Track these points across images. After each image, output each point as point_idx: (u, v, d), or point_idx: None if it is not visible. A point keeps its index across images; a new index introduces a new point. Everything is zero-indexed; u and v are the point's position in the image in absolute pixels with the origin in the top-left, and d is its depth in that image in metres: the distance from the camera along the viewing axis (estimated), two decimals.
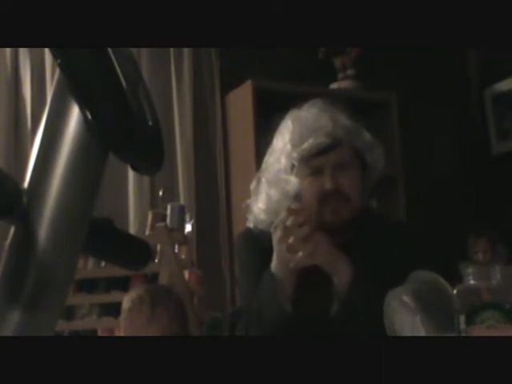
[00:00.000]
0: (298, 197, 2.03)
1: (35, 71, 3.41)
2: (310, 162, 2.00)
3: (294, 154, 2.01)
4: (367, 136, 2.07)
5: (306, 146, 1.99)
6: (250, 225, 2.10)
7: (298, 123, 2.03)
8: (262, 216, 2.06)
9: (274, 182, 2.06)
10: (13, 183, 0.71)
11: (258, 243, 2.07)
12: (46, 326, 0.73)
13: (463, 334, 1.38)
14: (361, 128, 2.07)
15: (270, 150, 2.12)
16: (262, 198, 2.07)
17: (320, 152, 1.99)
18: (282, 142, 2.05)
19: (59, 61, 0.68)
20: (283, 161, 2.03)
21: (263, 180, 2.09)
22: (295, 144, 2.00)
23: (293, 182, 2.02)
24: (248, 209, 2.13)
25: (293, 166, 2.02)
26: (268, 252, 2.01)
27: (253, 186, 2.13)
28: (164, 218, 2.72)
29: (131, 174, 3.49)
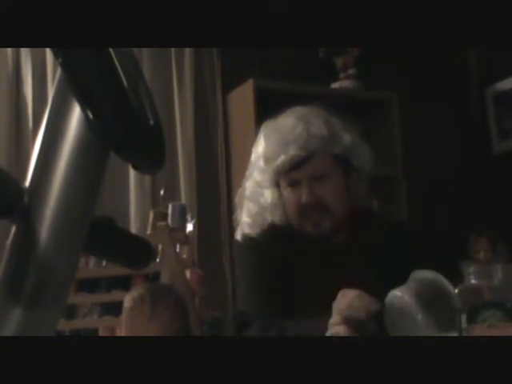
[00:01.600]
0: (279, 207, 2.03)
1: (36, 70, 3.41)
2: (287, 175, 2.00)
3: (268, 170, 2.01)
4: (348, 139, 2.03)
5: (278, 162, 1.98)
6: (238, 237, 2.11)
7: (270, 136, 2.03)
8: (247, 229, 2.08)
9: (251, 195, 2.08)
10: (14, 182, 0.71)
11: (258, 246, 2.07)
12: (47, 325, 0.73)
13: (464, 333, 1.38)
14: (340, 132, 2.03)
15: (249, 163, 2.13)
16: (245, 212, 2.09)
17: (294, 166, 1.98)
18: (257, 155, 2.06)
19: (60, 60, 0.68)
20: (257, 175, 2.04)
21: (245, 193, 2.11)
22: (268, 159, 2.01)
23: (266, 194, 2.03)
24: (236, 221, 2.14)
25: (267, 179, 2.03)
26: (260, 256, 2.03)
27: (237, 198, 2.15)
28: (165, 218, 2.72)
29: (132, 173, 3.49)
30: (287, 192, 2.02)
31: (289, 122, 2.02)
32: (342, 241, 2.04)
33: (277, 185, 2.04)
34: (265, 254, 2.03)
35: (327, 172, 2.01)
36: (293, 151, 1.96)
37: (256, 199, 2.06)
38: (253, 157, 2.09)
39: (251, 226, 2.06)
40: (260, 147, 2.04)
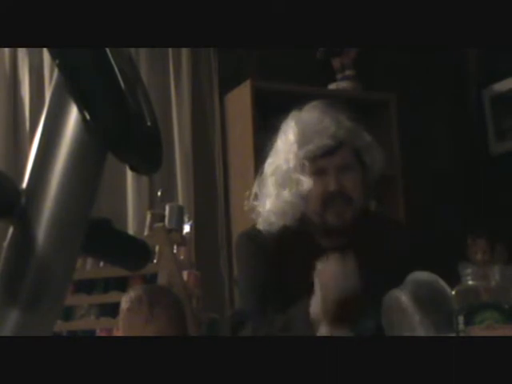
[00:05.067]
0: (306, 197, 2.02)
1: (34, 72, 3.41)
2: (315, 162, 2.00)
3: (302, 154, 2.00)
4: (367, 137, 2.07)
5: (311, 146, 1.98)
6: (260, 227, 2.07)
7: (301, 124, 2.02)
8: (273, 218, 2.04)
9: (284, 182, 2.04)
10: (11, 184, 0.70)
11: (260, 244, 2.07)
12: (44, 326, 0.73)
13: (462, 335, 1.38)
14: (361, 129, 2.07)
15: (273, 152, 2.10)
16: (270, 200, 2.05)
17: (324, 153, 1.98)
18: (287, 142, 2.04)
19: (58, 61, 0.68)
20: (292, 161, 2.01)
21: (270, 182, 2.07)
22: (302, 144, 2.00)
23: (305, 181, 2.01)
24: (253, 211, 2.11)
25: (303, 165, 2.01)
26: (269, 253, 2.02)
27: (255, 188, 2.11)
28: (162, 219, 2.71)
29: (130, 174, 3.48)
30: (312, 180, 2.01)
31: (316, 113, 2.03)
32: (342, 242, 2.04)
33: (302, 167, 2.03)
34: (273, 264, 2.03)
35: (352, 164, 2.03)
36: (325, 139, 1.97)
37: (291, 186, 2.02)
38: (280, 144, 2.07)
39: (280, 215, 2.03)
40: (291, 134, 2.03)
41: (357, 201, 2.03)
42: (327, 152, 1.98)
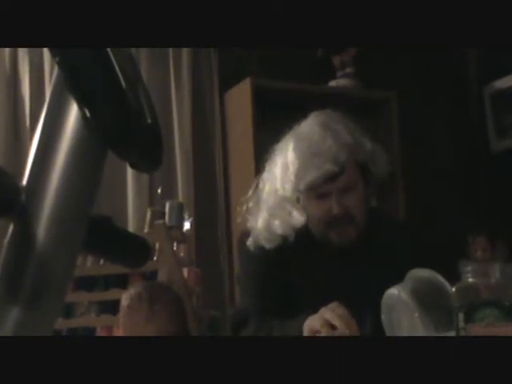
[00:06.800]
0: (305, 226, 2.01)
1: (34, 69, 3.41)
2: (317, 189, 1.98)
3: (300, 186, 1.97)
4: (369, 146, 2.04)
5: (310, 178, 1.94)
6: (251, 248, 2.05)
7: (299, 148, 1.97)
8: (263, 241, 2.02)
9: (276, 211, 2.02)
10: (11, 181, 0.71)
11: (263, 261, 2.06)
12: (45, 323, 0.73)
13: (462, 332, 1.38)
14: (362, 138, 2.03)
15: (270, 172, 2.07)
16: (262, 224, 2.04)
17: (326, 180, 1.96)
18: (285, 169, 2.00)
19: (57, 59, 0.68)
20: (288, 191, 1.99)
21: (264, 203, 2.05)
22: (299, 175, 1.96)
23: (298, 216, 1.99)
24: (247, 223, 2.09)
25: (298, 198, 2.00)
26: (267, 255, 2.02)
27: (252, 204, 2.09)
28: (163, 216, 2.72)
29: (130, 171, 3.48)
30: (314, 204, 1.99)
31: (315, 131, 1.98)
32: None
33: (297, 199, 2.01)
34: (275, 264, 2.03)
35: (355, 181, 2.01)
36: (326, 165, 1.93)
37: (283, 218, 2.01)
38: (276, 168, 2.04)
39: (269, 241, 2.02)
40: (289, 158, 1.98)
41: (360, 217, 2.02)
42: (330, 178, 1.95)
